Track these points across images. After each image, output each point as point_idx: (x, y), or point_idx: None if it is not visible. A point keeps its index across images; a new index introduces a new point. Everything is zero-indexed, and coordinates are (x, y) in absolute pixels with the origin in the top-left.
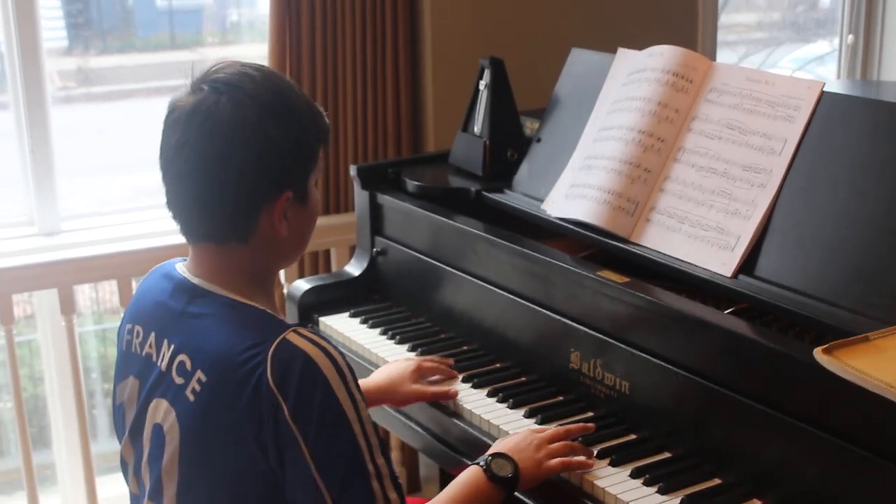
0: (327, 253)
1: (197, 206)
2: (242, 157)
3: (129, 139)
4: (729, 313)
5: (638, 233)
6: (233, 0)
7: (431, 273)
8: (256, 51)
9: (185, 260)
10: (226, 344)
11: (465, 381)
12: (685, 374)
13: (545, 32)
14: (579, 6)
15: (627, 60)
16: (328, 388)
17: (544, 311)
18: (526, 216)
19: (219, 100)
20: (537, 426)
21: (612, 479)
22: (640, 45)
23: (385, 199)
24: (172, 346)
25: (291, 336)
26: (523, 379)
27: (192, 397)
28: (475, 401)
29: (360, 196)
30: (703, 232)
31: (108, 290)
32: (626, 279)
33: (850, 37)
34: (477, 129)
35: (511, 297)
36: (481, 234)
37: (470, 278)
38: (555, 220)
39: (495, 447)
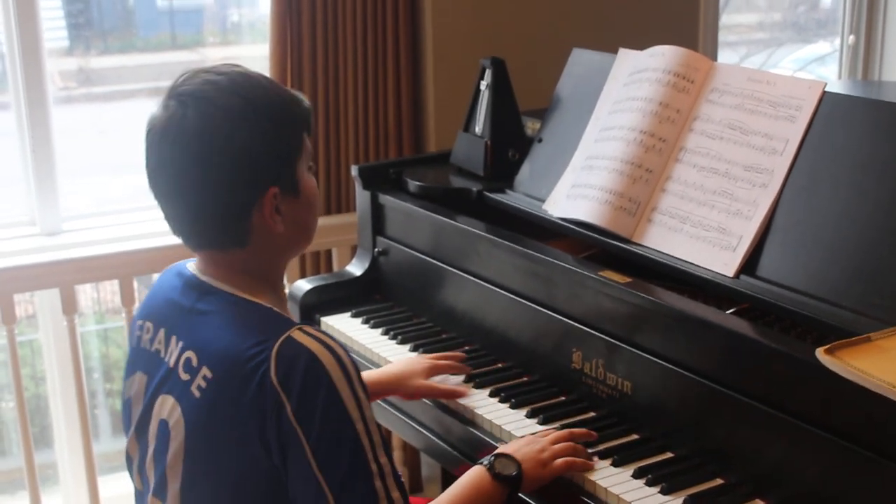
0: (329, 253)
1: (188, 220)
2: (218, 166)
3: (130, 139)
4: (731, 313)
5: (640, 233)
6: (234, 0)
7: (433, 273)
8: (257, 51)
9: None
10: (231, 341)
11: (467, 381)
12: (687, 375)
13: (546, 32)
14: (581, 6)
15: (629, 60)
16: (332, 387)
17: (546, 311)
18: (527, 216)
19: (185, 114)
20: (540, 428)
21: (614, 479)
22: (641, 45)
23: (386, 200)
24: (180, 343)
25: (296, 334)
26: (525, 379)
27: (197, 393)
28: (477, 401)
29: (362, 196)
30: (705, 232)
31: (110, 290)
32: (628, 279)
33: (851, 37)
34: (478, 129)
35: (513, 297)
36: (483, 234)
37: (471, 278)
38: (556, 221)
39: (499, 450)
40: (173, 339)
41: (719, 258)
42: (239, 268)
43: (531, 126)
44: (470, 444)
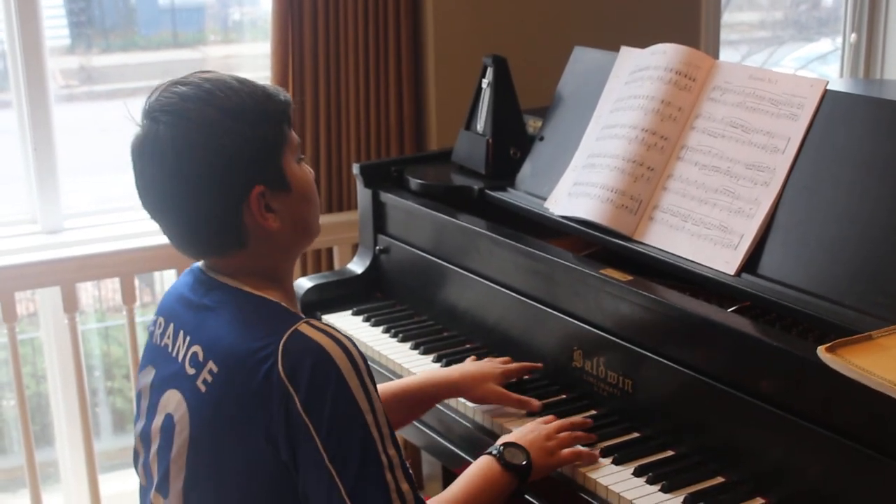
0: (330, 251)
1: (181, 232)
2: (196, 176)
3: (132, 137)
4: (732, 311)
5: (641, 231)
6: None
7: (434, 271)
8: (259, 49)
9: None
10: (237, 335)
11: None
12: (688, 373)
13: (548, 30)
14: (582, 4)
15: (630, 59)
16: (341, 379)
17: (547, 309)
18: (529, 214)
19: (157, 130)
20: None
21: (614, 476)
22: (643, 43)
23: (388, 198)
24: (188, 338)
25: (303, 327)
26: (526, 377)
27: (203, 388)
28: None
29: (363, 194)
30: (707, 230)
31: (111, 288)
32: (630, 277)
33: (853, 35)
34: (480, 127)
35: (514, 295)
36: (484, 232)
37: (473, 276)
38: (558, 219)
39: (504, 438)
40: (181, 333)
41: (721, 256)
42: (244, 268)
43: (533, 124)
44: (471, 441)
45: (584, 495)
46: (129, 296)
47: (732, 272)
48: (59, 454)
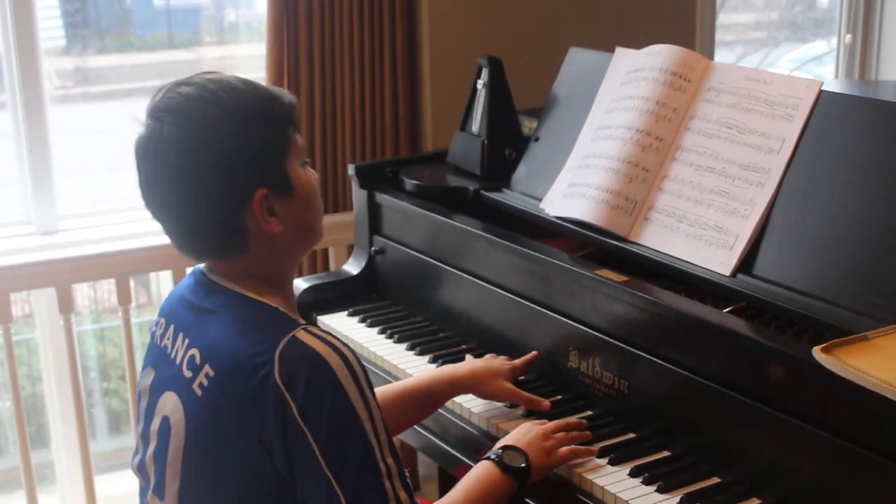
0: (325, 252)
1: (183, 233)
2: (199, 177)
3: (127, 138)
4: (727, 312)
5: (636, 232)
6: (230, 0)
7: (430, 272)
8: (254, 50)
9: None
10: (235, 340)
11: None
12: (684, 373)
13: (543, 31)
14: (577, 5)
15: (625, 59)
16: (338, 386)
17: (543, 309)
18: (524, 215)
19: (162, 130)
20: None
21: (610, 477)
22: (638, 44)
23: (383, 198)
24: (186, 340)
25: (301, 334)
26: (521, 378)
27: (199, 391)
28: (473, 398)
29: (359, 195)
30: (702, 231)
31: (107, 289)
32: (625, 278)
33: (848, 36)
34: (475, 128)
35: (509, 295)
36: (479, 233)
37: (468, 277)
38: (553, 219)
39: (502, 441)
40: (181, 335)
41: (716, 257)
42: (245, 272)
43: (528, 125)
44: (467, 443)
45: (581, 497)
46: (124, 297)
47: (728, 273)
48: (54, 455)
